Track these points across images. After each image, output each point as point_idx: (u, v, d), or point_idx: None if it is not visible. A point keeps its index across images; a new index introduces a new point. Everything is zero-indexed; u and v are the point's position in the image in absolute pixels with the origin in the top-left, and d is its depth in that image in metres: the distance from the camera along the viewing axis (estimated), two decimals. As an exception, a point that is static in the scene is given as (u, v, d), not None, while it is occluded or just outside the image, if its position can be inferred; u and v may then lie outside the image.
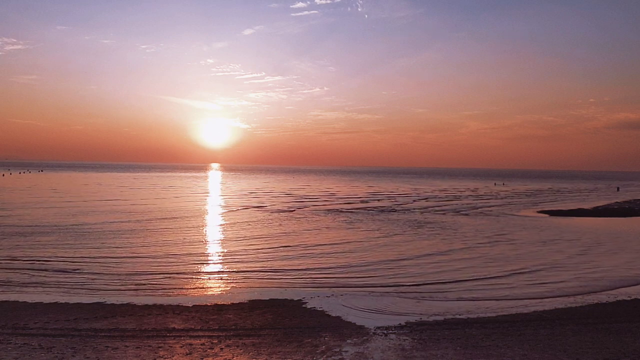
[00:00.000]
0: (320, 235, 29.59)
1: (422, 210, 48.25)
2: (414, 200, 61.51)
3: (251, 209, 46.34)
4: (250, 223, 34.91)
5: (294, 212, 44.09)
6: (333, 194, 72.66)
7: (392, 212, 44.95)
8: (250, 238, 27.88)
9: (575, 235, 31.32)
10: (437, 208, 50.83)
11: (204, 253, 23.13)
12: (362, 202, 58.20)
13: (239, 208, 47.18)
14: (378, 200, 61.92)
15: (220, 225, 34.08)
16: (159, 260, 21.14)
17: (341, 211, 45.59)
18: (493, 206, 54.87)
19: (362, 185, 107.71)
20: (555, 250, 25.26)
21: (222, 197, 62.14)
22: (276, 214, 41.47)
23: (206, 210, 44.70)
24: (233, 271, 19.31)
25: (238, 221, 36.04)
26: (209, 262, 21.20)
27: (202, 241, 26.71)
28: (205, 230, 31.09)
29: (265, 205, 50.80)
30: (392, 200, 61.95)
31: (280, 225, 34.17)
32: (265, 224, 34.47)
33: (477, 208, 51.72)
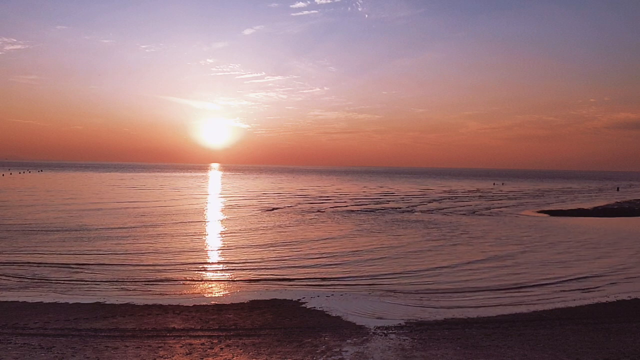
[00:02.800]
0: (351, 240, 27.84)
1: (441, 211, 47.72)
2: (430, 202, 60.45)
3: (277, 210, 45.09)
4: (281, 227, 33.27)
5: (322, 213, 43.47)
6: (345, 194, 72.25)
7: (412, 213, 44.59)
8: (282, 243, 26.13)
9: (586, 237, 30.70)
10: (452, 209, 50.28)
11: (235, 261, 21.51)
12: (376, 203, 57.43)
13: (266, 209, 45.67)
14: (395, 201, 60.66)
15: (247, 229, 31.92)
16: (175, 263, 21.16)
17: (361, 212, 45.39)
18: (507, 207, 54.73)
19: (371, 185, 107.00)
20: (598, 257, 23.65)
21: (238, 199, 60.41)
22: (299, 216, 40.48)
23: (229, 213, 42.53)
24: (257, 279, 19.26)
25: (266, 225, 33.95)
26: (236, 268, 20.91)
27: (238, 247, 25.11)
28: (239, 235, 29.25)
29: (283, 207, 49.37)
30: (407, 201, 60.80)
31: (305, 228, 32.73)
32: (293, 228, 33.09)
33: (491, 209, 51.50)
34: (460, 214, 44.79)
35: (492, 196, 74.70)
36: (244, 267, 20.07)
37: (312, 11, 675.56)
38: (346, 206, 51.86)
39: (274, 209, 46.67)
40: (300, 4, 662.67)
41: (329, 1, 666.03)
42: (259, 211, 44.20)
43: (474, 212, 46.78)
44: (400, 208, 50.40)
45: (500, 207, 53.48)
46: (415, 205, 54.31)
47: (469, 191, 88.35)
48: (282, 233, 30.50)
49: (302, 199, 62.21)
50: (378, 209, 48.54)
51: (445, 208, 51.59)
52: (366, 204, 55.05)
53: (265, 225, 34.07)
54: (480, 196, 73.68)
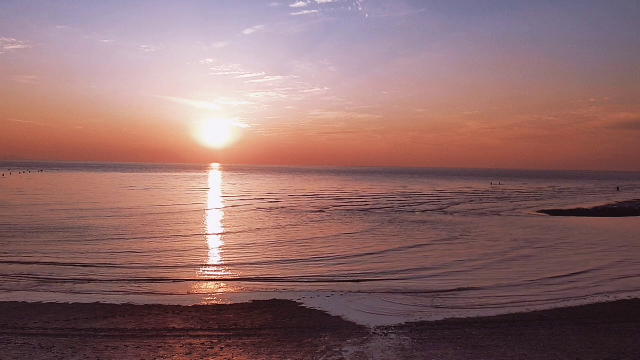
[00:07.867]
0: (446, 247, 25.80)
1: (474, 212, 47.18)
2: (459, 203, 59.04)
3: (325, 212, 43.70)
4: (369, 231, 31.61)
5: (370, 213, 43.16)
6: (367, 196, 70.90)
7: (448, 215, 44.14)
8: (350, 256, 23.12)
9: (599, 238, 29.98)
10: (479, 210, 49.37)
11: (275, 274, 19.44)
12: (405, 204, 55.64)
13: (316, 211, 44.65)
14: (425, 203, 59.04)
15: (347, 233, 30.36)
16: (200, 264, 21.16)
17: (398, 211, 45.75)
18: (531, 207, 54.43)
19: (388, 185, 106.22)
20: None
21: (267, 200, 58.37)
22: (358, 217, 39.74)
23: (282, 215, 40.89)
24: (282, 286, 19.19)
25: (357, 229, 32.26)
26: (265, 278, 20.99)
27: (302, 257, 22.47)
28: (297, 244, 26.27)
29: (322, 208, 47.79)
30: (436, 203, 59.19)
31: (383, 231, 31.74)
32: (374, 231, 31.53)
33: (515, 210, 51.10)
34: (493, 214, 44.73)
35: (508, 197, 73.34)
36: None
37: (312, 11, 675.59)
38: (390, 206, 51.36)
39: (321, 210, 45.55)
40: (300, 4, 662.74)
41: (329, 1, 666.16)
42: (311, 213, 43.14)
43: (498, 213, 46.62)
44: (433, 210, 49.42)
45: (524, 209, 52.83)
46: (446, 207, 53.03)
47: (490, 192, 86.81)
48: (381, 238, 29.00)
49: (332, 200, 60.02)
50: (419, 211, 47.43)
51: (474, 210, 50.33)
52: (399, 204, 54.35)
53: (354, 229, 32.39)
54: (502, 198, 71.91)
